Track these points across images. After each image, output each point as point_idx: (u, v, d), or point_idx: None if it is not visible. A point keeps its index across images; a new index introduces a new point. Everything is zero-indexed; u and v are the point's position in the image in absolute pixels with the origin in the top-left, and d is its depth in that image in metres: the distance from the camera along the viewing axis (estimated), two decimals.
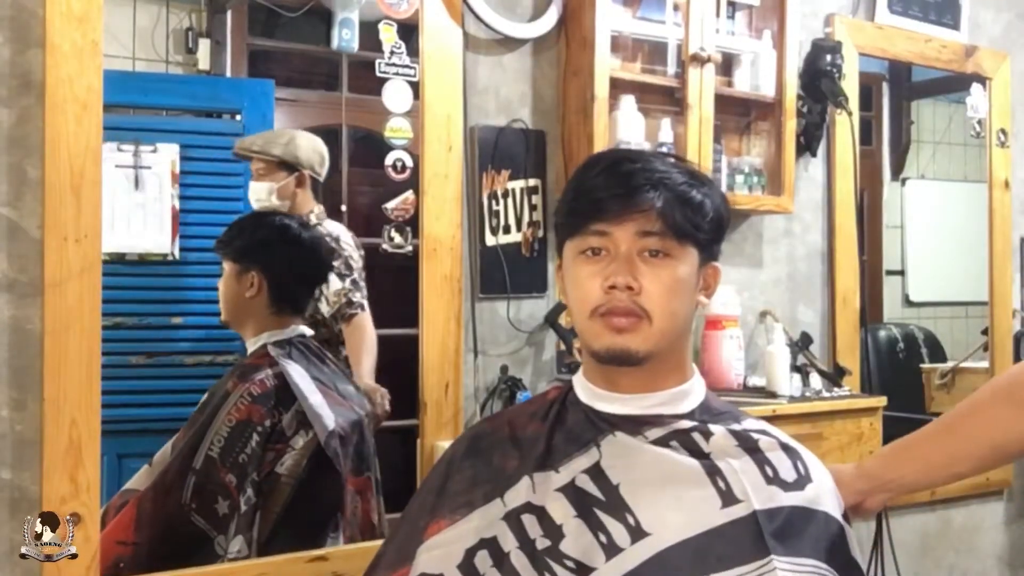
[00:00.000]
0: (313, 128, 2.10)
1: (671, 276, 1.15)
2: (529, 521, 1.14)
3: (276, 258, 1.92)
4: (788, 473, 1.15)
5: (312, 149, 1.96)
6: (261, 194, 2.01)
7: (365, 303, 2.01)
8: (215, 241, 1.91)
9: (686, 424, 1.17)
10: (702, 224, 1.17)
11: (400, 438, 2.05)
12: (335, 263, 2.03)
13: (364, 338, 2.04)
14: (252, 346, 1.90)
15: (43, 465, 1.45)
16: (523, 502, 1.16)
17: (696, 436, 1.16)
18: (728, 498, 1.11)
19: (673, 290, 1.15)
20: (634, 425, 1.17)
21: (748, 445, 1.16)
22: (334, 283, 2.03)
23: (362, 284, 2.03)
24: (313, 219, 2.07)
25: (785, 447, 1.19)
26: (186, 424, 1.83)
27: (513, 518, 1.15)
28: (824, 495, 1.17)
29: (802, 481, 1.16)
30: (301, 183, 2.03)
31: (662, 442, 1.16)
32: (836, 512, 1.17)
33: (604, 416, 1.19)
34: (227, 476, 1.76)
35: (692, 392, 1.21)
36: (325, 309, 2.04)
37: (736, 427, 1.18)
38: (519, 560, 1.12)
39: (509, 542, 1.13)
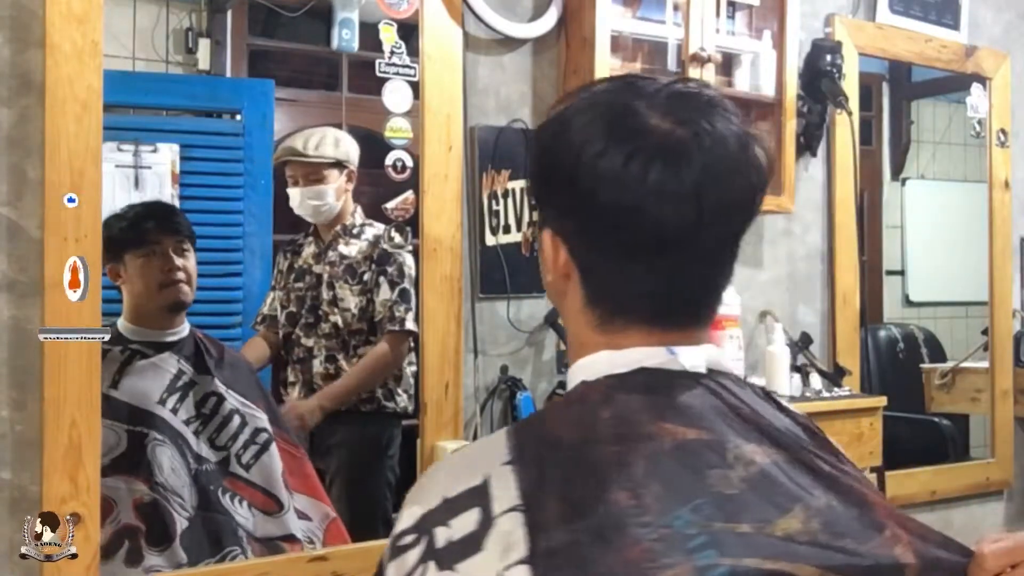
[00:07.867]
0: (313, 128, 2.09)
1: None
2: None
3: None
4: None
5: (354, 145, 1.95)
6: (327, 197, 1.98)
7: (408, 319, 1.95)
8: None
9: None
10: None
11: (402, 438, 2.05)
12: (389, 268, 1.99)
13: (373, 360, 1.97)
14: None
15: (43, 465, 1.45)
16: None
17: None
18: None
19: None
20: None
21: None
22: (383, 290, 1.99)
23: (412, 294, 1.95)
24: (359, 219, 2.04)
25: None
26: None
27: None
28: None
29: None
30: (350, 180, 2.02)
31: None
32: None
33: None
34: None
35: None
36: (376, 316, 1.98)
37: None
38: None
39: None
